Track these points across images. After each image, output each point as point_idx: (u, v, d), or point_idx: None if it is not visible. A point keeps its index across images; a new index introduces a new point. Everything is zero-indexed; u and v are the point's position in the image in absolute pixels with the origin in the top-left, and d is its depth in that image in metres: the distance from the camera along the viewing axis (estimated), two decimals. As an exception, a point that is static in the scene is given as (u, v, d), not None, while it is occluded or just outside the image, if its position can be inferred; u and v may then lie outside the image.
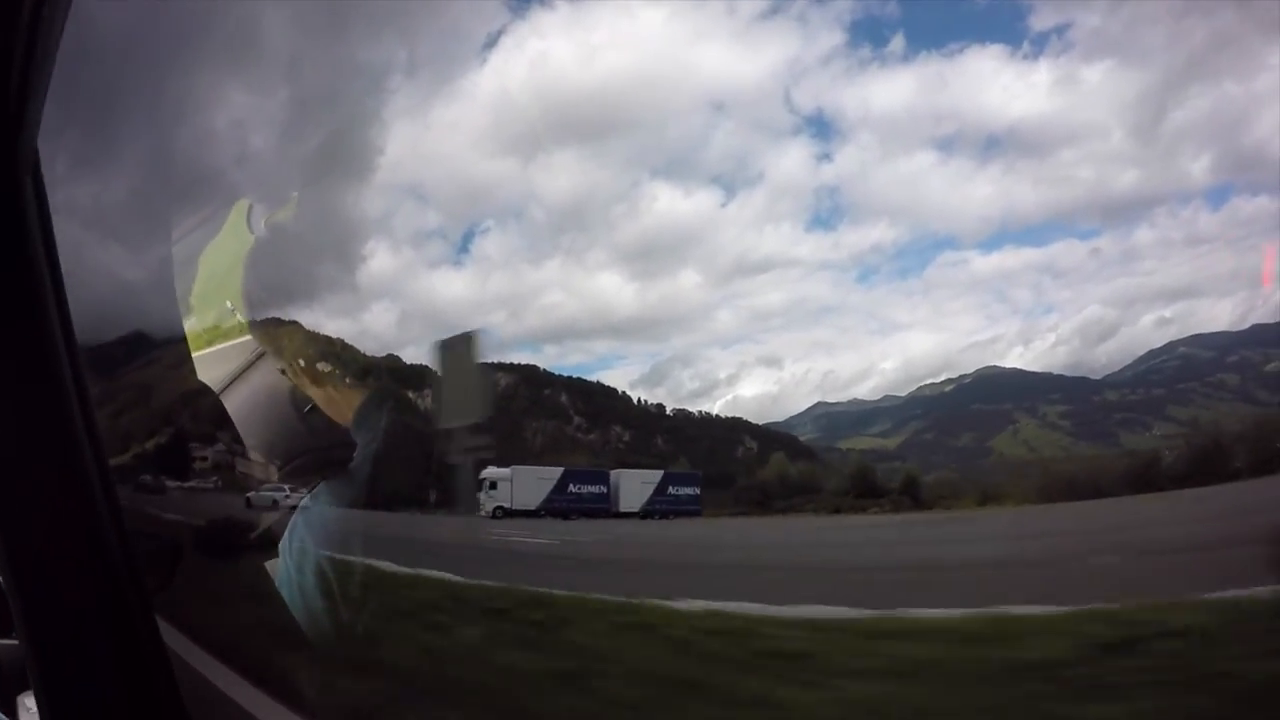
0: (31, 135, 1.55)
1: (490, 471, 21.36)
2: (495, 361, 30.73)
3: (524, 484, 21.42)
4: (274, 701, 2.58)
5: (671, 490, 22.67)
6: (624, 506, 21.64)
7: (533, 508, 21.01)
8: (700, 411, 27.66)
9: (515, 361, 28.76)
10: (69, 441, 1.59)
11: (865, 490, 22.77)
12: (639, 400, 27.18)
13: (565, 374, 28.78)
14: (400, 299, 39.02)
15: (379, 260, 35.99)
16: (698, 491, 23.48)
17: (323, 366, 28.96)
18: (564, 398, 27.18)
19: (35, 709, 1.56)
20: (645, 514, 21.54)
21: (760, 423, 29.99)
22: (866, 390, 39.93)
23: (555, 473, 22.66)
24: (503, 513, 20.48)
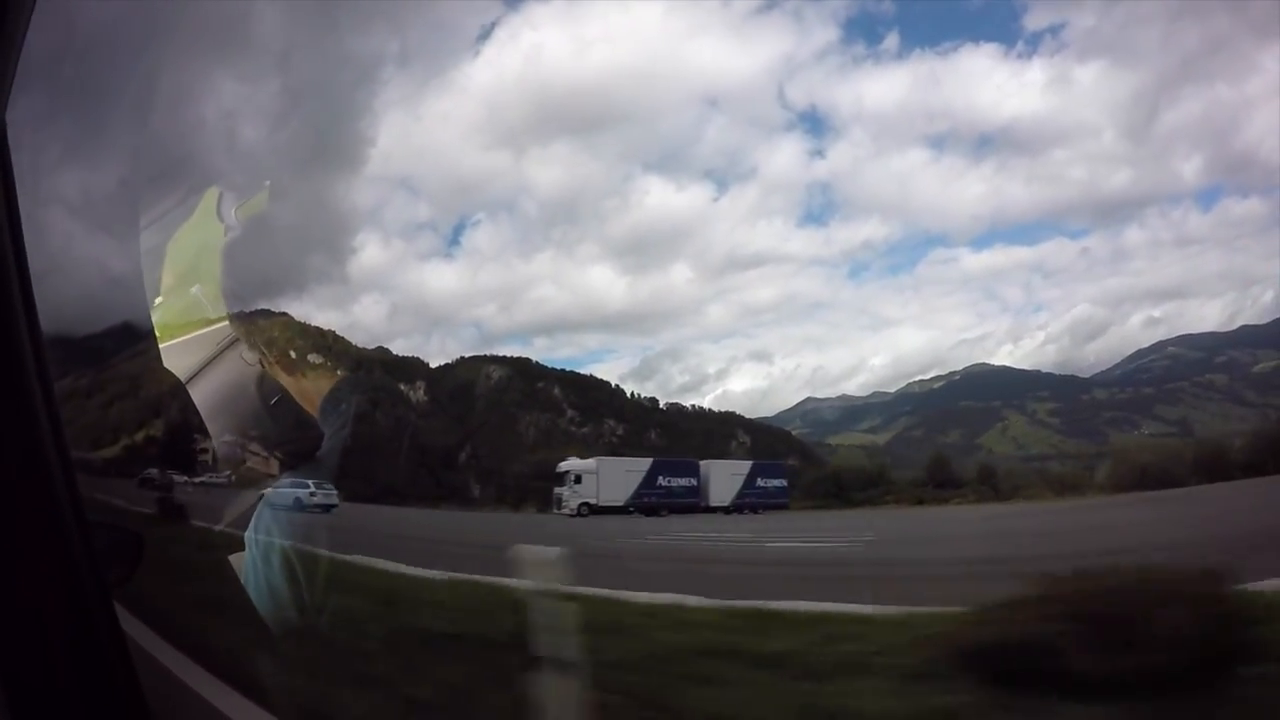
0: (1, 105, 1.51)
1: (573, 464, 19.29)
2: (487, 354, 30.71)
3: (611, 477, 19.04)
4: (234, 692, 2.57)
5: (760, 482, 20.42)
6: (714, 500, 19.32)
7: (620, 503, 18.52)
8: (693, 405, 27.74)
9: (506, 354, 28.72)
10: (29, 428, 1.53)
11: (944, 481, 21.36)
12: (632, 394, 27.20)
13: (559, 367, 28.73)
14: (391, 291, 38.73)
15: (369, 252, 35.73)
16: (785, 483, 21.33)
17: (315, 358, 28.81)
18: (557, 391, 27.10)
19: None
20: (735, 508, 19.18)
21: (751, 417, 30.10)
22: (856, 386, 40.25)
23: (643, 464, 20.28)
24: (588, 510, 17.94)
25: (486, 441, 25.86)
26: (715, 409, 28.22)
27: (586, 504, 18.37)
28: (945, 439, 37.80)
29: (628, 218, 35.62)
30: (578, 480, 18.88)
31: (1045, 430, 41.80)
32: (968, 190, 36.99)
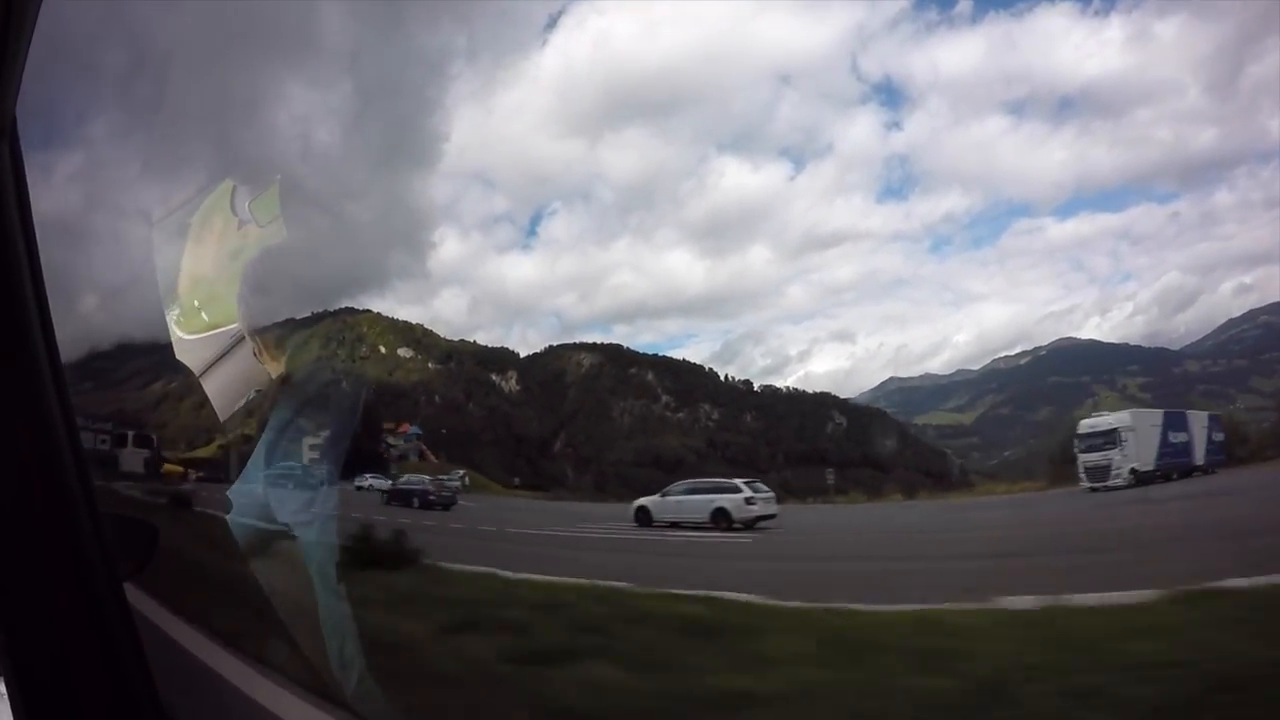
0: (9, 101, 1.49)
1: (1100, 421, 15.10)
2: (577, 342, 30.51)
3: (1146, 435, 14.41)
4: (252, 670, 2.53)
5: (1213, 437, 15.98)
6: (1198, 459, 15.00)
7: (1151, 468, 14.09)
8: (787, 387, 27.03)
9: (596, 341, 28.42)
10: (42, 421, 1.57)
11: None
12: (726, 377, 26.60)
13: (649, 352, 28.34)
14: (470, 284, 39.14)
15: (448, 247, 35.98)
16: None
17: (405, 352, 28.93)
18: (650, 376, 26.67)
19: (4, 690, 1.57)
20: (1206, 468, 14.96)
21: (844, 397, 29.29)
22: (940, 364, 39.04)
23: (1158, 416, 15.64)
24: (1133, 477, 13.52)
25: (581, 429, 25.59)
26: (811, 390, 27.48)
27: (1135, 470, 13.90)
28: (1034, 416, 36.43)
29: (704, 200, 35.09)
30: (1110, 442, 14.30)
31: (1137, 405, 40.05)
32: (1050, 157, 35.45)
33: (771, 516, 13.12)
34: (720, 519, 12.65)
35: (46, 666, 1.54)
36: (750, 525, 12.64)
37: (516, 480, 22.82)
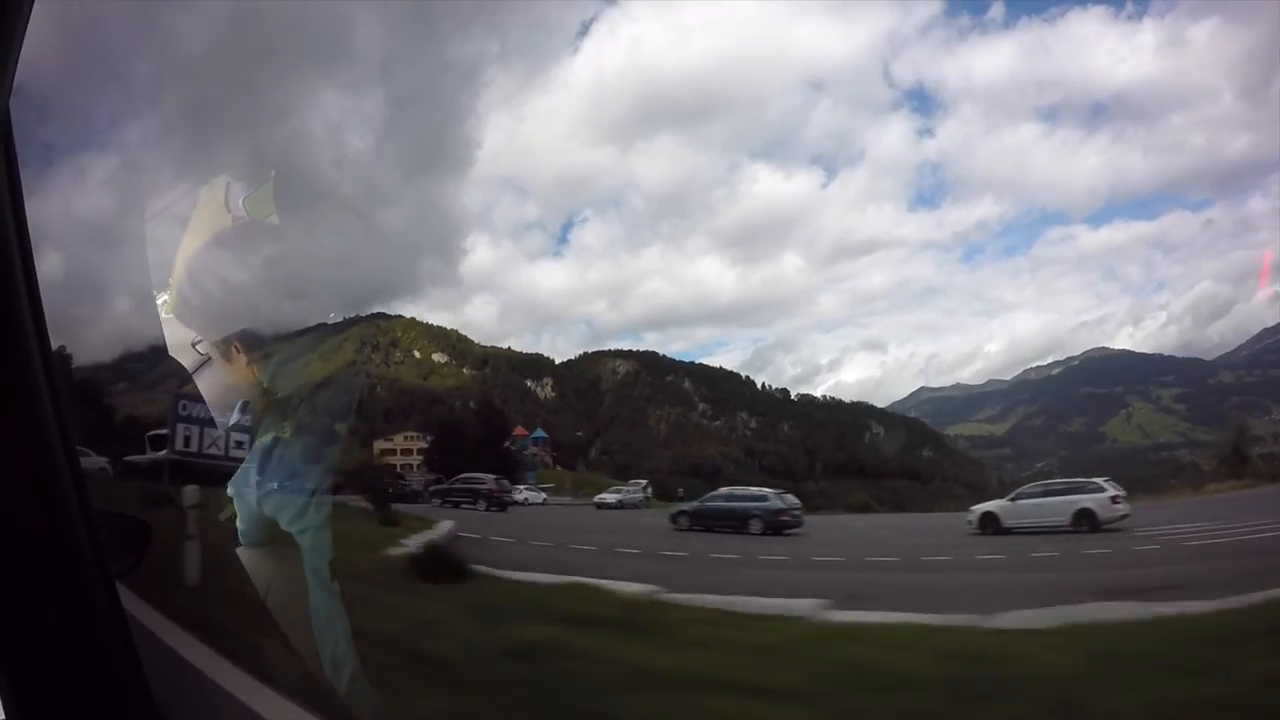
0: (4, 94, 1.49)
1: None
2: (611, 349, 30.32)
3: None
4: (242, 673, 2.48)
5: None
6: None
7: None
8: (825, 396, 26.74)
9: (631, 348, 28.25)
10: (32, 413, 1.56)
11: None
12: (763, 385, 26.33)
13: (687, 360, 28.13)
14: (501, 291, 39.02)
15: (480, 254, 35.97)
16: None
17: (439, 357, 28.86)
18: (687, 384, 26.47)
19: None
20: None
21: (881, 406, 28.94)
22: (971, 374, 38.62)
23: None
24: None
25: (617, 437, 25.39)
26: (845, 400, 27.21)
27: None
28: (1067, 428, 35.95)
29: (736, 208, 34.97)
30: None
31: (1171, 417, 39.49)
32: (1083, 163, 35.12)
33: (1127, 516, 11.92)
34: (1084, 521, 11.48)
35: (37, 664, 1.56)
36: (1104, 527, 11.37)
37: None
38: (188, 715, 1.94)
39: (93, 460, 16.19)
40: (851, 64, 37.13)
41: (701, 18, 37.03)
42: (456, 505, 15.02)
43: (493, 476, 15.87)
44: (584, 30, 44.12)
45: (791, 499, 14.43)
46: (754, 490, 14.72)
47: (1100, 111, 36.43)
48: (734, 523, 13.17)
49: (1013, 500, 12.56)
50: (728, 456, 24.33)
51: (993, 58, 36.75)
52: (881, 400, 33.49)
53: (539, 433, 21.93)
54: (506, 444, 20.55)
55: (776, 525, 13.07)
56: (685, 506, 14.45)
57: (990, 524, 12.10)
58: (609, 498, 17.99)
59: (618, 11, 39.09)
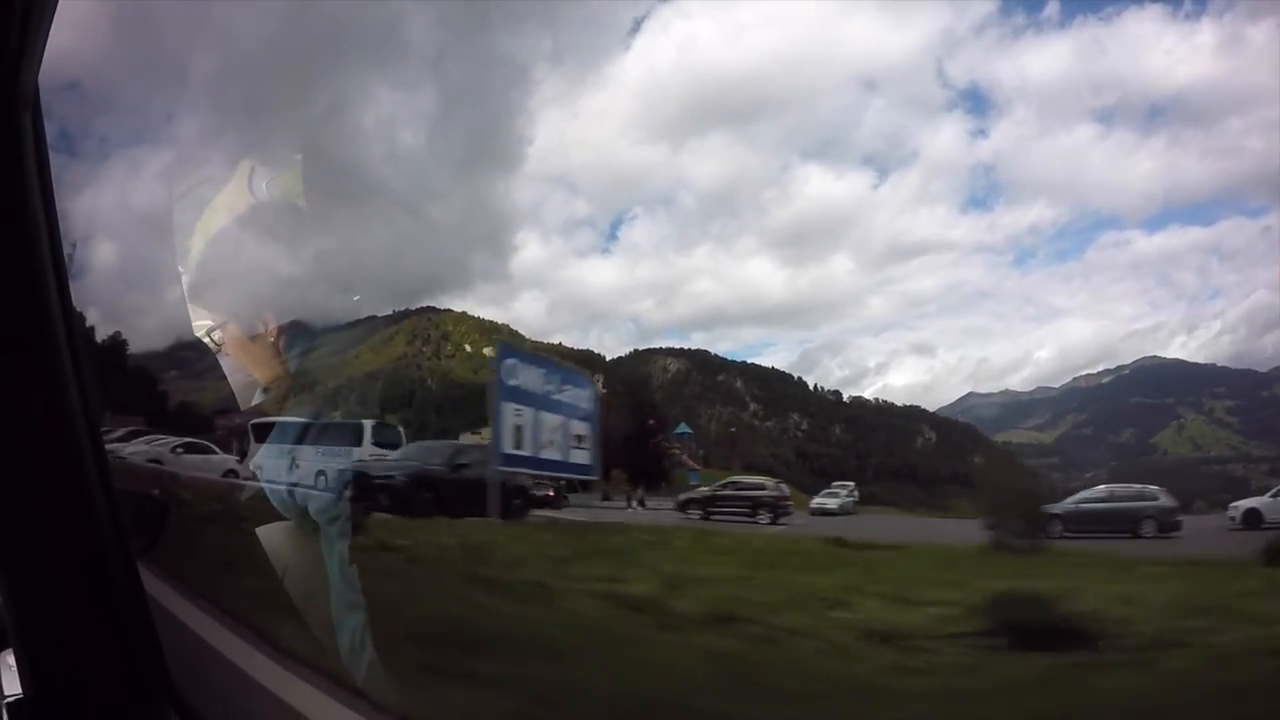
0: (32, 72, 1.48)
1: None
2: (661, 347, 30.51)
3: None
4: (264, 658, 2.54)
5: None
6: None
7: None
8: (877, 399, 26.54)
9: (681, 347, 28.32)
10: (57, 397, 1.58)
11: None
12: (815, 386, 26.22)
13: (739, 359, 28.11)
14: (549, 287, 39.27)
15: (529, 250, 36.32)
16: None
17: (490, 351, 29.13)
18: (739, 383, 26.46)
19: (15, 667, 1.60)
20: None
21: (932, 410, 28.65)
22: (1020, 380, 37.82)
23: None
24: None
25: (669, 436, 25.42)
26: (896, 403, 26.96)
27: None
28: (1117, 438, 35.26)
29: (787, 208, 34.73)
30: None
31: (1224, 430, 38.48)
32: (1139, 167, 34.23)
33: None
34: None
35: (56, 641, 1.57)
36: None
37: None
38: (205, 693, 1.96)
39: (220, 459, 16.27)
40: (905, 63, 36.61)
41: (754, 15, 36.81)
42: (728, 517, 13.50)
43: (771, 480, 15.61)
44: (636, 27, 44.15)
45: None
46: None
47: (1157, 113, 35.50)
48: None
49: (1274, 497, 12.52)
50: (779, 458, 24.25)
51: (1048, 57, 35.94)
52: (929, 405, 33.24)
53: (683, 427, 21.54)
54: (664, 439, 19.42)
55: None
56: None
57: (1253, 520, 12.12)
58: (828, 503, 16.45)
59: (670, 9, 39.06)
